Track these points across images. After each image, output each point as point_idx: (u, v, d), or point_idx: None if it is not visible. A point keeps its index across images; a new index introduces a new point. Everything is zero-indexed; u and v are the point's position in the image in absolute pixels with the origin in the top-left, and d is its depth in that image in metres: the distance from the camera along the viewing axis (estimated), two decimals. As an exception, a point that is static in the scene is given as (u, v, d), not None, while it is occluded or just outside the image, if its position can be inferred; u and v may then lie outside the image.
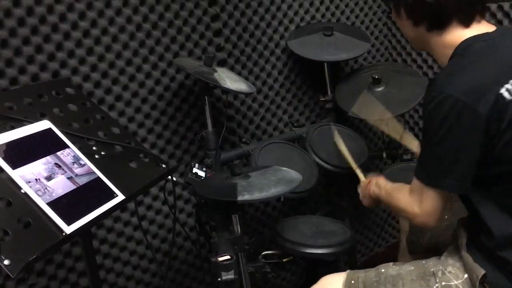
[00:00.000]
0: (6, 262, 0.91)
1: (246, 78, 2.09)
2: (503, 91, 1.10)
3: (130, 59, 1.79)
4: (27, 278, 1.66)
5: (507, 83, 1.11)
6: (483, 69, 1.13)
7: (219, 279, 1.40)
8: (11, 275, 0.91)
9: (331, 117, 2.27)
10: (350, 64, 2.44)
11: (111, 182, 1.22)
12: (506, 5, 2.09)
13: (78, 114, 1.37)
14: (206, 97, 1.83)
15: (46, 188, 1.07)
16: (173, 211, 1.78)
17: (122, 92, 1.79)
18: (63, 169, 1.14)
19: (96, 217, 1.12)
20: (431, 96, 1.14)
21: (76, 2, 1.63)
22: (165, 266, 1.98)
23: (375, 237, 2.69)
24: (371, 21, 2.48)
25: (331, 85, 2.23)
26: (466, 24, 1.20)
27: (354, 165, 1.75)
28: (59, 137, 1.22)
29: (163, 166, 1.41)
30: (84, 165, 1.20)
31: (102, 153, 1.30)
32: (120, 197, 1.21)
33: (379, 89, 2.08)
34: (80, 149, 1.23)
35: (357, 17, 2.43)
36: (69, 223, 1.04)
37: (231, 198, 1.43)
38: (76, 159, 1.20)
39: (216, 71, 1.80)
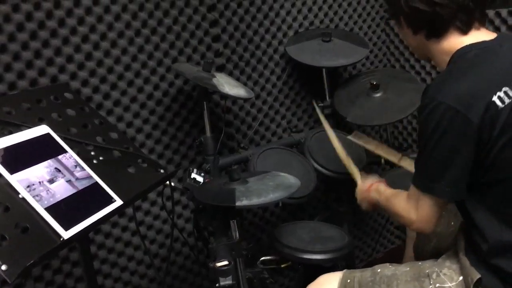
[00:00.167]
0: (3, 267, 0.91)
1: (245, 84, 2.09)
2: (495, 98, 1.11)
3: (129, 64, 1.79)
4: (24, 284, 1.66)
5: (499, 91, 1.11)
6: (476, 77, 1.14)
7: (217, 285, 1.40)
8: (8, 280, 0.90)
9: (330, 123, 2.27)
10: (348, 70, 2.45)
11: (109, 187, 1.21)
12: (504, 12, 2.10)
13: (76, 119, 1.37)
14: (204, 103, 1.84)
15: (48, 191, 1.07)
16: (171, 216, 1.78)
17: (121, 97, 1.80)
18: (62, 173, 1.14)
19: (94, 222, 1.12)
20: (424, 103, 1.15)
21: (75, 8, 1.64)
22: (163, 271, 1.98)
23: (373, 243, 2.69)
24: (369, 27, 2.49)
25: (330, 90, 2.24)
26: (464, 31, 1.21)
27: (352, 168, 1.74)
28: (57, 142, 1.22)
29: (161, 171, 1.41)
30: (84, 169, 1.20)
31: (101, 158, 1.30)
32: (118, 202, 1.20)
33: (377, 95, 2.09)
34: (78, 154, 1.23)
35: (355, 23, 2.44)
36: (66, 228, 1.04)
37: (229, 204, 1.43)
38: (77, 162, 1.20)
39: (215, 77, 1.80)
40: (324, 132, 2.17)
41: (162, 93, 1.89)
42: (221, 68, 2.03)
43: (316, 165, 2.01)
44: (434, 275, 1.27)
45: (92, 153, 1.30)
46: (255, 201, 1.42)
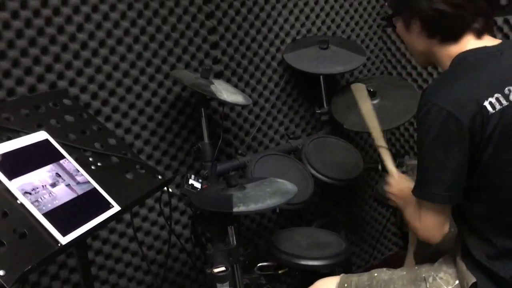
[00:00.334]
0: (1, 272, 0.91)
1: (243, 90, 2.10)
2: (486, 103, 1.12)
3: (127, 71, 1.80)
4: (22, 290, 1.65)
5: (491, 96, 1.13)
6: (471, 81, 1.15)
7: (214, 291, 1.40)
8: (5, 285, 0.91)
9: (327, 129, 2.29)
10: (345, 77, 2.46)
11: (107, 193, 1.22)
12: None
13: (74, 125, 1.38)
14: (202, 109, 1.84)
15: (50, 193, 1.08)
16: (168, 222, 1.78)
17: (119, 104, 1.80)
18: (62, 178, 1.15)
19: (92, 228, 1.12)
20: (420, 106, 1.17)
21: (74, 15, 1.65)
22: (160, 277, 1.98)
23: (371, 249, 2.69)
24: (366, 34, 2.51)
25: (327, 97, 2.25)
26: (480, 35, 1.21)
27: (385, 153, 1.54)
28: (56, 148, 1.22)
29: (159, 177, 1.42)
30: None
31: (99, 164, 1.30)
32: (116, 208, 1.21)
33: (374, 102, 2.09)
34: (76, 160, 1.24)
35: (352, 30, 2.45)
36: (64, 233, 1.04)
37: (226, 210, 1.43)
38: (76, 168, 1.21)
39: (213, 83, 1.81)
40: (321, 139, 2.19)
41: (160, 100, 1.90)
42: (219, 75, 2.04)
43: (313, 172, 2.02)
44: (430, 279, 1.28)
45: (90, 159, 1.31)
46: (252, 207, 1.42)
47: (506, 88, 1.14)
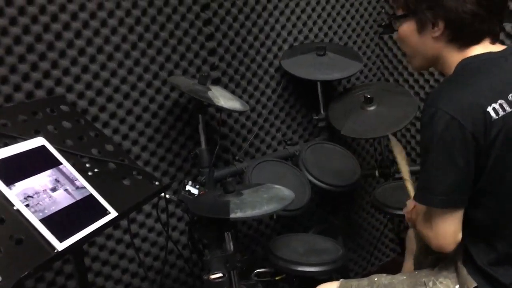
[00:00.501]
0: (-3, 279, 0.91)
1: (240, 97, 2.11)
2: (489, 109, 1.12)
3: (125, 77, 1.81)
4: (18, 296, 1.65)
5: (495, 102, 1.13)
6: (475, 86, 1.15)
7: (211, 297, 1.40)
8: (2, 292, 0.91)
9: (324, 136, 2.29)
10: (342, 84, 2.47)
11: (104, 199, 1.22)
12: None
13: (72, 131, 1.38)
14: (200, 115, 1.85)
15: (50, 197, 1.08)
16: (165, 228, 1.78)
17: (117, 110, 1.81)
18: (61, 183, 1.15)
19: (88, 234, 1.12)
20: (424, 110, 1.16)
21: (72, 21, 1.65)
22: (157, 284, 1.97)
23: (368, 255, 2.69)
24: (363, 41, 2.52)
25: (324, 104, 2.25)
26: (496, 40, 1.21)
27: (407, 177, 1.57)
28: (53, 154, 1.22)
29: (156, 183, 1.42)
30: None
31: (96, 170, 1.30)
32: (113, 214, 1.21)
33: (371, 108, 2.11)
34: (73, 165, 1.24)
35: (349, 37, 2.46)
36: (61, 239, 1.04)
37: (223, 216, 1.44)
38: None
39: (210, 90, 1.82)
40: (318, 145, 2.19)
41: (158, 106, 1.91)
42: (216, 81, 2.05)
43: (310, 178, 2.02)
44: (430, 284, 1.29)
45: (88, 165, 1.31)
46: (249, 213, 1.42)
47: (510, 95, 1.14)
